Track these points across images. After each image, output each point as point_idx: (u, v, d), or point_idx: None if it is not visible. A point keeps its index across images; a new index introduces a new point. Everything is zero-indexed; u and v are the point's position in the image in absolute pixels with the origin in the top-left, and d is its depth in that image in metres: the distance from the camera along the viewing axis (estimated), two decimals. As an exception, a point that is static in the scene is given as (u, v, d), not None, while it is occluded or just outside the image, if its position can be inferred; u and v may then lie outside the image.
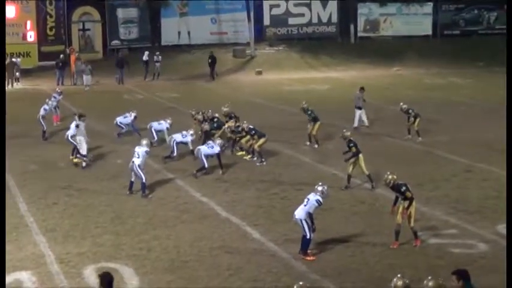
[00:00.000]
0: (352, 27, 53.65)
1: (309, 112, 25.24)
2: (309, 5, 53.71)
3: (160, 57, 44.99)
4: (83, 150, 22.55)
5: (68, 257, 14.92)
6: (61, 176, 21.61)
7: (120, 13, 50.41)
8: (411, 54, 49.41)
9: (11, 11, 45.43)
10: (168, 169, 22.03)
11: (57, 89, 33.29)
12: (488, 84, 40.65)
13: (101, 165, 22.90)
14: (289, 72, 46.27)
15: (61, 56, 43.33)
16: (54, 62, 43.41)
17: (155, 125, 25.22)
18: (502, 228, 16.20)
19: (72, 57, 43.68)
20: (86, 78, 41.55)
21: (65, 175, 21.67)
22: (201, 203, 18.75)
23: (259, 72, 46.65)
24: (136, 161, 19.29)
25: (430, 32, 54.33)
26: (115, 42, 50.29)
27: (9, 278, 13.67)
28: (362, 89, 29.29)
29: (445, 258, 14.68)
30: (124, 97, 37.80)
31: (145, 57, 44.65)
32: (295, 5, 53.51)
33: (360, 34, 53.83)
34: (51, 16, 48.18)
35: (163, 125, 25.10)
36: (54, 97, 29.69)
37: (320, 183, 15.25)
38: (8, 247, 15.17)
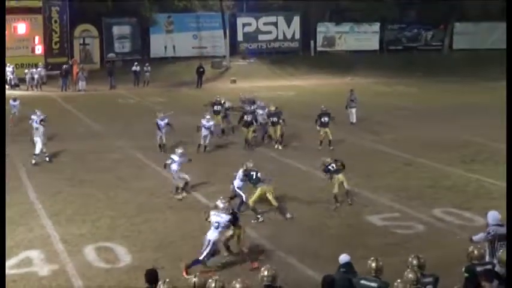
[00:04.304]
0: (312, 42, 53.80)
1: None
2: (275, 24, 53.82)
3: (149, 67, 44.96)
4: (37, 149, 21.79)
5: (70, 238, 14.81)
6: (64, 168, 21.45)
7: (115, 30, 50.10)
8: (362, 66, 49.62)
9: (22, 28, 45.42)
10: (157, 163, 21.84)
11: (12, 97, 30.64)
12: (426, 91, 40.98)
13: (99, 159, 22.73)
14: (259, 81, 46.21)
15: (64, 66, 43.09)
16: (58, 72, 43.21)
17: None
18: (437, 212, 16.42)
19: (75, 68, 43.57)
20: (82, 84, 41.66)
21: (68, 168, 21.51)
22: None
23: (234, 81, 46.57)
24: (235, 183, 16.61)
25: (377, 48, 54.60)
26: (111, 55, 49.96)
27: (21, 256, 13.65)
28: (351, 90, 29.41)
29: (390, 237, 14.79)
30: (118, 101, 37.72)
31: (134, 68, 44.57)
32: (264, 23, 53.62)
33: (318, 49, 53.96)
34: (56, 32, 47.63)
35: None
36: (13, 105, 28.80)
37: (220, 198, 13.48)
38: (20, 229, 15.20)
